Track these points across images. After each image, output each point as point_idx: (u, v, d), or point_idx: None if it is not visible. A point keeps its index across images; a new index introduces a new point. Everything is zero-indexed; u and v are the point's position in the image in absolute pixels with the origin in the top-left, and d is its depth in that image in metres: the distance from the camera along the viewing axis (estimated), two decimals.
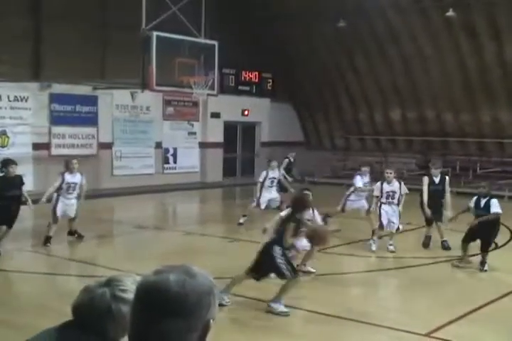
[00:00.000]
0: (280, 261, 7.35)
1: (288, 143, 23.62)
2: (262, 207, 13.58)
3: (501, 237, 11.06)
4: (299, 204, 7.89)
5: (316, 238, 7.62)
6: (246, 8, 21.63)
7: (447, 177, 11.75)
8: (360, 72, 22.94)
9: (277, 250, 7.42)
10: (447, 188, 11.41)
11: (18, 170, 10.53)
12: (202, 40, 17.27)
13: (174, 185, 20.37)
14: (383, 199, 11.04)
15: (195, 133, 22.13)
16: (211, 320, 1.62)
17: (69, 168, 11.14)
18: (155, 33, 15.81)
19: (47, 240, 10.98)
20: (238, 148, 24.32)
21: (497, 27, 19.10)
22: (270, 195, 13.67)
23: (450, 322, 7.08)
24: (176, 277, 1.58)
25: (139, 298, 1.61)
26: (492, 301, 8.00)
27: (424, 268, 9.96)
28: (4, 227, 10.30)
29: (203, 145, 22.33)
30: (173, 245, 11.78)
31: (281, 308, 7.30)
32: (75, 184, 11.19)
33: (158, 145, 20.88)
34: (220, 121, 22.68)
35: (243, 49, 21.74)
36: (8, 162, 10.31)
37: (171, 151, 21.38)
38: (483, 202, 9.62)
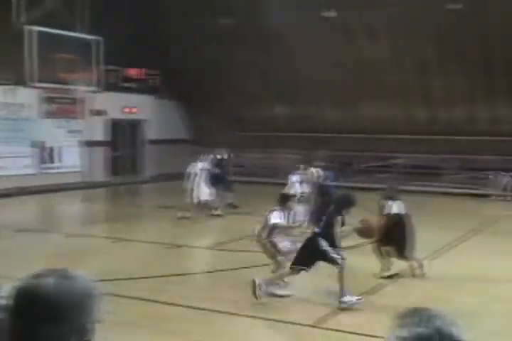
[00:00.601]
0: (326, 248, 7.62)
1: (175, 141, 23.53)
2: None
3: None
4: (346, 202, 8.16)
5: (367, 232, 8.11)
6: (132, 6, 21.29)
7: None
8: (245, 68, 23.16)
9: (323, 243, 7.67)
10: None
11: None
12: (84, 36, 16.78)
13: (56, 185, 19.64)
14: None
15: (77, 132, 21.43)
16: (93, 323, 1.59)
17: None
18: (30, 27, 15.13)
19: None
20: (124, 146, 23.81)
21: (371, 26, 19.95)
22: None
23: (338, 312, 7.34)
24: (52, 281, 1.53)
25: (15, 303, 1.55)
26: (375, 288, 8.35)
27: None
28: None
29: (86, 143, 21.68)
30: (56, 248, 11.41)
31: (353, 298, 7.51)
32: None
33: (38, 144, 20.01)
34: (105, 119, 22.11)
35: (129, 46, 21.33)
36: None
37: (52, 150, 20.57)
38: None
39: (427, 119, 21.46)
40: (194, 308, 7.46)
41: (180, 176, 18.17)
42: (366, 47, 20.65)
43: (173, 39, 22.86)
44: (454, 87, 20.36)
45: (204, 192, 14.57)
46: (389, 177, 20.25)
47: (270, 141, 24.57)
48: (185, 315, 7.33)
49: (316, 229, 8.00)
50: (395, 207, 9.12)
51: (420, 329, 1.44)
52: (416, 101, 21.25)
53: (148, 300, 7.69)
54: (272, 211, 8.32)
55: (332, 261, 7.65)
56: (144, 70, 23.50)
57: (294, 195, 10.15)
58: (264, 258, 9.41)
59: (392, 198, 9.25)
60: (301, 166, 13.00)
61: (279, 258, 8.19)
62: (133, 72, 23.24)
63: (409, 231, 9.10)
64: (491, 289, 8.64)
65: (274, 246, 8.21)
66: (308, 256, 7.73)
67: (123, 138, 23.62)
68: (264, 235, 8.27)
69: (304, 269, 7.75)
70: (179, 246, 11.26)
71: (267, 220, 8.27)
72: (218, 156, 16.71)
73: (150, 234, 13.07)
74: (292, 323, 7.04)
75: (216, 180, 15.32)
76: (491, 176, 19.32)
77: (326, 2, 19.65)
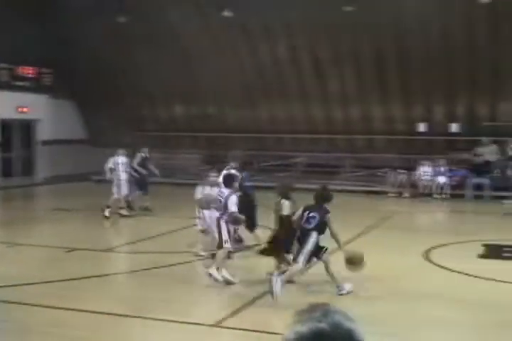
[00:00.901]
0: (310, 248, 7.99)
1: (71, 141, 22.87)
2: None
3: None
4: (328, 196, 8.51)
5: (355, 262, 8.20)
6: (27, 3, 20.51)
7: None
8: (142, 68, 22.85)
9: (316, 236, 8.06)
10: None
11: None
12: None
13: None
14: None
15: None
16: None
17: None
18: None
19: None
20: (15, 147, 22.84)
21: (269, 27, 20.22)
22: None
23: (234, 311, 7.36)
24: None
25: None
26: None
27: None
28: None
29: None
30: None
31: (347, 286, 8.03)
32: None
33: None
34: None
35: (20, 42, 20.54)
36: None
37: None
38: None
39: (324, 119, 21.98)
40: (94, 312, 7.27)
41: (77, 177, 17.79)
42: (264, 48, 20.89)
43: (69, 38, 22.19)
44: (350, 87, 20.98)
45: (124, 188, 14.48)
46: (289, 176, 20.61)
47: (170, 141, 24.38)
48: (85, 320, 7.13)
49: (311, 225, 8.17)
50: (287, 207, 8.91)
51: (318, 325, 1.45)
52: (314, 101, 21.71)
53: (47, 307, 7.41)
54: None
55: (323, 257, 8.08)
56: (37, 69, 22.61)
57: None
58: (161, 260, 9.34)
59: (287, 197, 9.03)
60: (214, 167, 12.79)
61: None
62: (26, 70, 22.33)
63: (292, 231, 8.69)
64: (389, 285, 8.96)
65: None
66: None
67: (15, 138, 22.69)
68: None
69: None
70: (78, 250, 10.93)
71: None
72: (143, 155, 15.96)
73: (47, 238, 12.59)
74: (194, 324, 7.01)
75: (140, 181, 15.05)
76: (386, 174, 20.02)
77: (223, 2, 19.71)
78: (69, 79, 24.07)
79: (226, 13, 19.49)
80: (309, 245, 8.12)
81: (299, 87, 21.42)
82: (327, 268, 8.12)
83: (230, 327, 6.87)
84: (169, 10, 20.65)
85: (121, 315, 7.21)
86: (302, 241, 8.20)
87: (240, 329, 6.80)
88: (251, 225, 10.48)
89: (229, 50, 21.27)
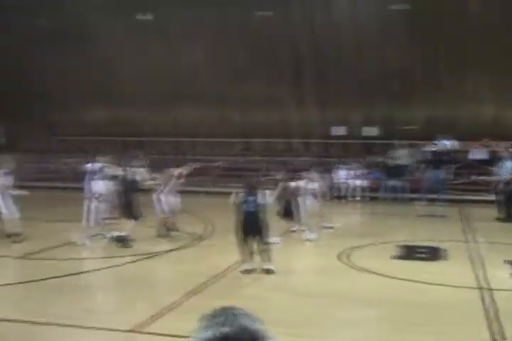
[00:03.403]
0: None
1: None
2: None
3: None
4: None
5: None
6: None
7: None
8: (58, 71, 22.21)
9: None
10: None
11: None
12: None
13: None
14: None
15: None
16: None
17: None
18: None
19: None
20: None
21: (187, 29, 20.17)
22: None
23: (154, 316, 7.27)
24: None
25: None
26: (192, 291, 8.40)
27: (124, 267, 10.01)
28: None
29: None
30: None
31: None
32: None
33: None
34: None
35: None
36: None
37: None
38: None
39: (241, 123, 22.05)
40: (9, 321, 7.02)
41: None
42: (183, 51, 20.77)
43: None
44: (267, 92, 21.15)
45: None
46: (207, 180, 20.59)
47: (87, 145, 23.78)
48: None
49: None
50: None
51: (225, 329, 1.43)
52: (232, 105, 21.75)
53: None
54: None
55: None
56: None
57: None
58: (74, 266, 9.11)
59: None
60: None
61: None
62: None
63: None
64: (305, 286, 9.07)
65: None
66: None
67: None
68: None
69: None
70: None
71: None
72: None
73: None
74: (110, 330, 6.86)
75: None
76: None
77: (142, 5, 19.47)
78: None
79: (145, 17, 19.27)
80: None
81: (217, 90, 21.40)
82: None
83: (148, 332, 6.77)
84: (88, 12, 20.22)
85: (32, 322, 7.00)
86: None
87: (159, 334, 6.71)
88: (128, 214, 10.99)
89: (147, 53, 21.02)
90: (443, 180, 18.36)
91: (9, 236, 11.81)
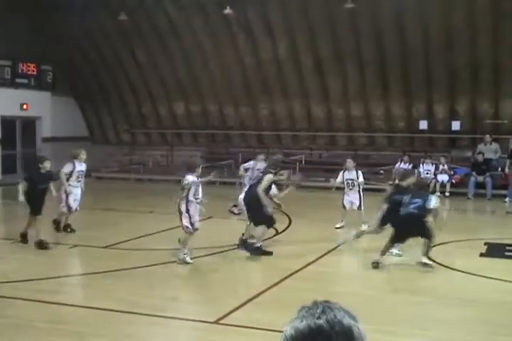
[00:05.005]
0: None
1: (72, 138, 22.82)
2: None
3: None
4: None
5: None
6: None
7: None
8: (143, 65, 22.83)
9: None
10: None
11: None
12: None
13: None
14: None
15: None
16: None
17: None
18: None
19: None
20: (18, 144, 22.80)
21: (270, 24, 20.18)
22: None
23: (237, 308, 7.34)
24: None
25: None
26: (274, 285, 8.44)
27: (203, 259, 10.03)
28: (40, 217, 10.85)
29: None
30: None
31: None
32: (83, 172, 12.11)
33: None
34: None
35: (20, 40, 20.51)
36: (43, 159, 11.21)
37: None
38: None
39: (325, 115, 21.92)
40: (94, 308, 7.26)
41: None
42: (265, 46, 20.81)
43: (68, 35, 22.12)
44: (349, 85, 20.91)
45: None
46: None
47: (170, 138, 24.38)
48: (85, 316, 7.11)
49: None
50: None
51: (317, 321, 1.46)
52: (314, 99, 21.64)
53: (43, 302, 7.41)
54: None
55: None
56: (36, 65, 22.42)
57: None
58: (158, 257, 9.28)
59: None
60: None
61: None
62: (25, 67, 22.15)
63: None
64: (396, 283, 8.91)
65: None
66: None
67: (17, 135, 22.64)
68: None
69: None
70: (80, 246, 10.94)
71: None
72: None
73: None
74: (193, 321, 6.99)
75: None
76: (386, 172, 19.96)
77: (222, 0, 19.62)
78: (69, 76, 24.10)
79: (226, 11, 19.42)
80: None
81: (298, 84, 21.34)
82: None
83: (229, 324, 6.84)
84: (169, 7, 20.61)
85: (122, 312, 7.19)
86: None
87: (243, 326, 6.78)
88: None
89: (229, 48, 21.20)
90: None
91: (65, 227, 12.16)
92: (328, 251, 10.62)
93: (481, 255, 10.55)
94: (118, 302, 7.52)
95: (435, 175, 18.47)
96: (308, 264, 9.65)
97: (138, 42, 22.11)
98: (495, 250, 10.95)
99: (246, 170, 13.88)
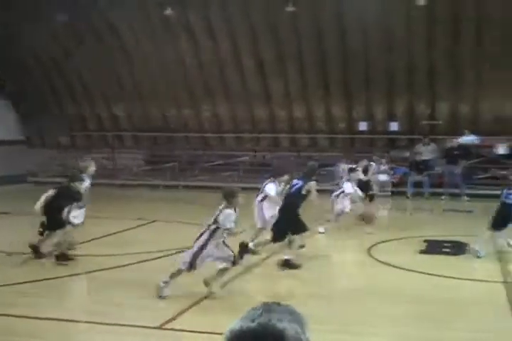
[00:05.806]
0: None
1: (7, 142, 22.12)
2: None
3: None
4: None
5: None
6: None
7: None
8: (81, 68, 22.38)
9: None
10: None
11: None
12: None
13: None
14: None
15: None
16: None
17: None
18: None
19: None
20: None
21: (212, 26, 20.15)
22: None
23: (181, 313, 7.28)
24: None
25: None
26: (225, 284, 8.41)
27: (150, 263, 9.98)
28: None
29: None
30: None
31: None
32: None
33: None
34: None
35: None
36: (77, 178, 10.22)
37: None
38: None
39: (268, 117, 21.99)
40: (42, 319, 7.08)
41: (12, 179, 17.05)
42: (207, 47, 20.75)
43: (4, 37, 21.49)
44: (295, 87, 21.06)
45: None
46: (233, 175, 20.63)
47: (110, 140, 23.94)
48: (35, 326, 6.92)
49: None
50: None
51: (250, 324, 1.45)
52: (257, 101, 21.68)
53: None
54: None
55: None
56: None
57: None
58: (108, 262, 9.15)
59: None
60: None
61: None
62: None
63: None
64: (335, 282, 8.99)
65: None
66: None
67: None
68: None
69: None
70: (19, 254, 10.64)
71: None
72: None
73: None
74: (138, 326, 6.89)
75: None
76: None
77: (164, 0, 19.45)
78: (4, 79, 23.41)
79: (167, 12, 19.27)
80: None
81: (241, 86, 21.36)
82: None
83: (177, 329, 6.78)
84: (110, 9, 20.29)
85: (70, 321, 7.06)
86: None
87: (187, 331, 6.73)
88: None
89: (170, 49, 21.03)
90: (460, 174, 18.24)
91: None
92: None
93: (421, 252, 10.82)
94: (65, 311, 7.36)
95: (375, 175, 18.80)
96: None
97: (75, 44, 21.64)
98: (434, 247, 11.26)
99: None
